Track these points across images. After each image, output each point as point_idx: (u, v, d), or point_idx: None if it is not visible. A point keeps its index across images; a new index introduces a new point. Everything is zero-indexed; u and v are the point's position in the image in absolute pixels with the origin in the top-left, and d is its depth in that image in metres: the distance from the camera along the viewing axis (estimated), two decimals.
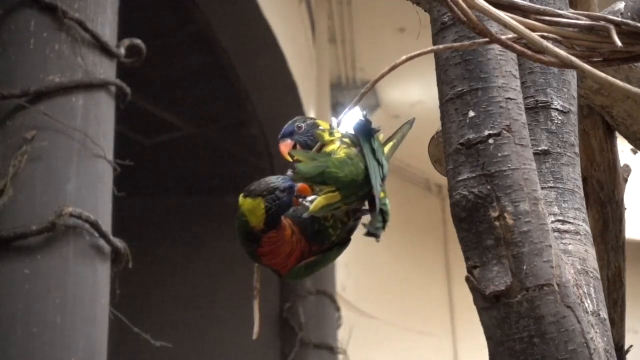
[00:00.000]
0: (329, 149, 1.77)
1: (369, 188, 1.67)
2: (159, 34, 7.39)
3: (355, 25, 11.55)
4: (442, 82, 1.64)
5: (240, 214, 1.66)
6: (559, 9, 1.53)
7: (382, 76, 1.72)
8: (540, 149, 1.77)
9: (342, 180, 1.67)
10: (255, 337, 1.84)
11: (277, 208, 1.65)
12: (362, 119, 1.75)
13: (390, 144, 1.86)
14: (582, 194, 1.79)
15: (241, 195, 1.67)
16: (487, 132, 1.57)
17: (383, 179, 1.70)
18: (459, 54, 1.62)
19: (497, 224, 1.53)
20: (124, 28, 4.77)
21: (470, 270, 1.55)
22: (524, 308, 1.51)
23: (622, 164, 2.61)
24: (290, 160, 1.77)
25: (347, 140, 1.77)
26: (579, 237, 1.72)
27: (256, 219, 1.65)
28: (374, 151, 1.71)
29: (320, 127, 1.81)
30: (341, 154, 1.74)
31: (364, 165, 1.69)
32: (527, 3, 1.46)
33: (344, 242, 1.79)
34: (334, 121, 1.84)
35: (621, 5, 2.20)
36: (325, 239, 1.74)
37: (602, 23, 1.43)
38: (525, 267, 1.52)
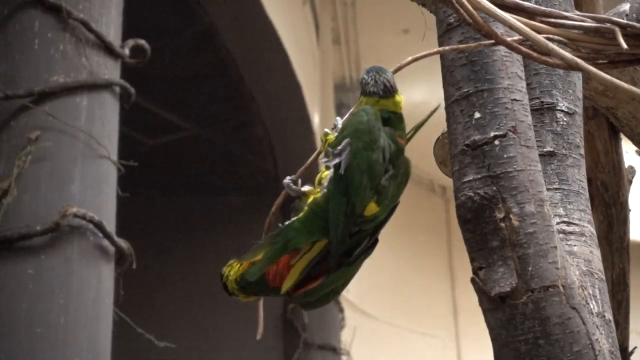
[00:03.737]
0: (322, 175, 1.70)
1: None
2: (163, 34, 7.40)
3: (359, 26, 11.55)
4: (448, 83, 1.64)
5: (236, 277, 1.75)
6: (564, 11, 1.53)
7: None
8: (545, 150, 1.77)
9: (308, 239, 1.67)
10: (258, 337, 1.84)
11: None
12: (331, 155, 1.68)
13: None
14: (587, 196, 1.78)
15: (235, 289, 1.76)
16: (492, 133, 1.57)
17: (350, 216, 1.63)
18: (464, 55, 1.62)
19: (503, 225, 1.53)
20: (128, 28, 4.78)
21: (475, 271, 1.55)
22: (529, 309, 1.50)
23: (626, 165, 2.61)
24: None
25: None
26: (583, 238, 1.72)
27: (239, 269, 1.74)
28: (344, 189, 1.64)
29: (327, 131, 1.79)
30: (316, 194, 1.69)
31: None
32: (532, 5, 1.46)
33: (353, 262, 1.72)
34: (339, 120, 1.83)
35: (626, 7, 2.20)
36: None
37: (608, 25, 1.42)
38: (530, 268, 1.51)
